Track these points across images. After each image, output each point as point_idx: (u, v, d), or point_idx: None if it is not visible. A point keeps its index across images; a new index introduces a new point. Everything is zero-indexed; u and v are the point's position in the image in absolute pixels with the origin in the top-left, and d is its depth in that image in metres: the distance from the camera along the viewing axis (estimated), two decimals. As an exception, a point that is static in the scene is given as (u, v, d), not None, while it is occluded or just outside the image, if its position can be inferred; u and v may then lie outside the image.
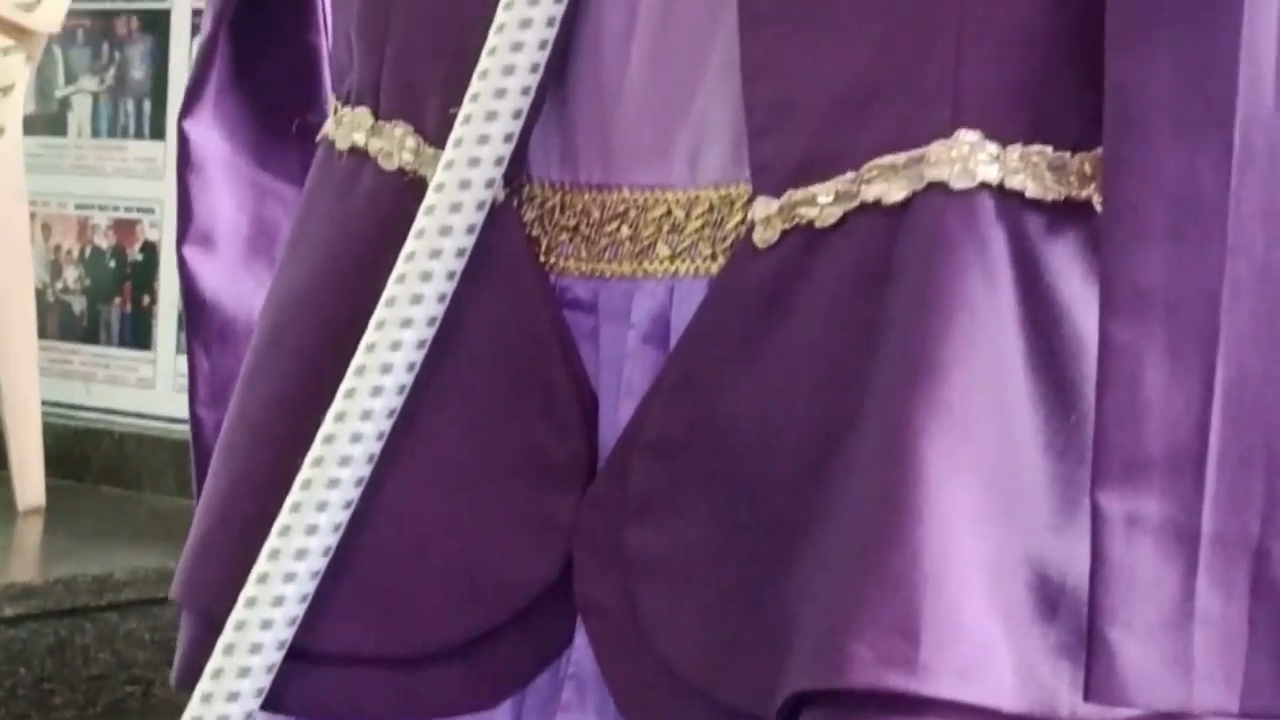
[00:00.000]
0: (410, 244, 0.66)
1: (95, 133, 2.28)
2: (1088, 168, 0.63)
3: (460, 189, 0.66)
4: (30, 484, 2.04)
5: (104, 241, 2.24)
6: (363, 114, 0.72)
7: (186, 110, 0.79)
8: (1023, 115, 0.62)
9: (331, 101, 0.75)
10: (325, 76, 0.81)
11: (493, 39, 0.66)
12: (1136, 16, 0.60)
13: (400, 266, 0.66)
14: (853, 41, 0.63)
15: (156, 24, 2.26)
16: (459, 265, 0.66)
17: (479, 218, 0.67)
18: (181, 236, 0.80)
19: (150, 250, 2.20)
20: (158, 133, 2.22)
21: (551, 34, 0.66)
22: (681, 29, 0.67)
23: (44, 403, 2.08)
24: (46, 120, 2.30)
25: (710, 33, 0.66)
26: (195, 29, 2.16)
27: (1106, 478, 0.59)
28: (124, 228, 2.22)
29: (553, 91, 0.68)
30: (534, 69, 0.66)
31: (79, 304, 2.26)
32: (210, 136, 0.80)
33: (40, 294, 2.21)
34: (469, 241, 0.67)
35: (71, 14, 2.14)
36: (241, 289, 0.80)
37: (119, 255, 2.23)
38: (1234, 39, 0.59)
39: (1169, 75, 0.59)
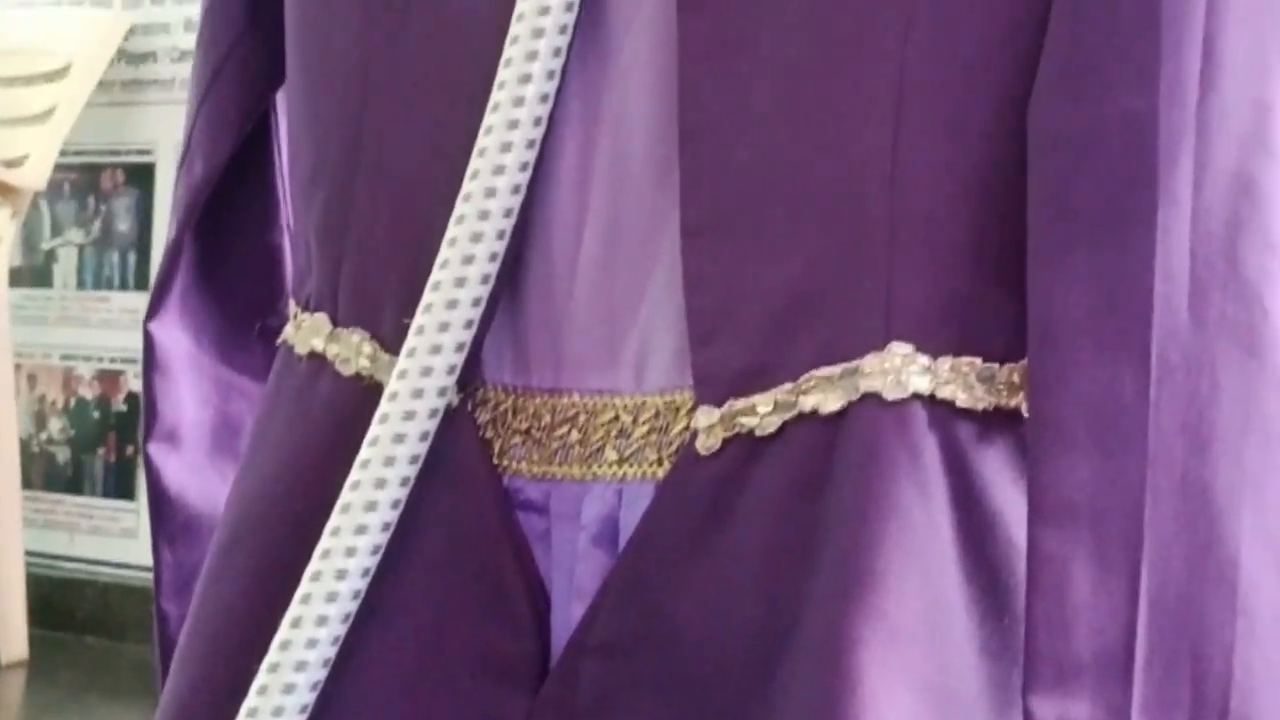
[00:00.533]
0: (365, 451, 0.68)
1: (80, 285, 2.31)
2: (1016, 378, 0.65)
3: (413, 398, 0.68)
4: (14, 637, 2.05)
5: (88, 392, 2.27)
6: (321, 319, 0.74)
7: (152, 313, 0.82)
8: (952, 328, 0.65)
9: (291, 306, 0.77)
10: (287, 277, 0.83)
11: (445, 251, 0.69)
12: (1055, 238, 0.62)
13: (355, 473, 0.68)
14: (788, 255, 0.66)
15: (141, 177, 2.30)
16: (413, 471, 0.68)
17: (432, 425, 0.69)
18: (147, 434, 0.82)
19: (134, 401, 2.23)
20: (142, 284, 2.25)
21: (502, 246, 0.69)
22: (627, 239, 0.69)
23: (27, 553, 2.09)
24: (32, 272, 2.33)
25: (655, 244, 0.69)
26: (179, 182, 2.20)
27: (1038, 683, 0.61)
28: (108, 378, 2.25)
29: (505, 297, 0.71)
30: (485, 280, 0.69)
31: (63, 454, 2.28)
32: (175, 336, 0.82)
33: (25, 445, 2.23)
34: (423, 448, 0.69)
35: (58, 167, 2.18)
36: (206, 484, 0.82)
37: (103, 406, 2.25)
38: (1149, 259, 0.62)
39: (1087, 294, 0.62)
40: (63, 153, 2.18)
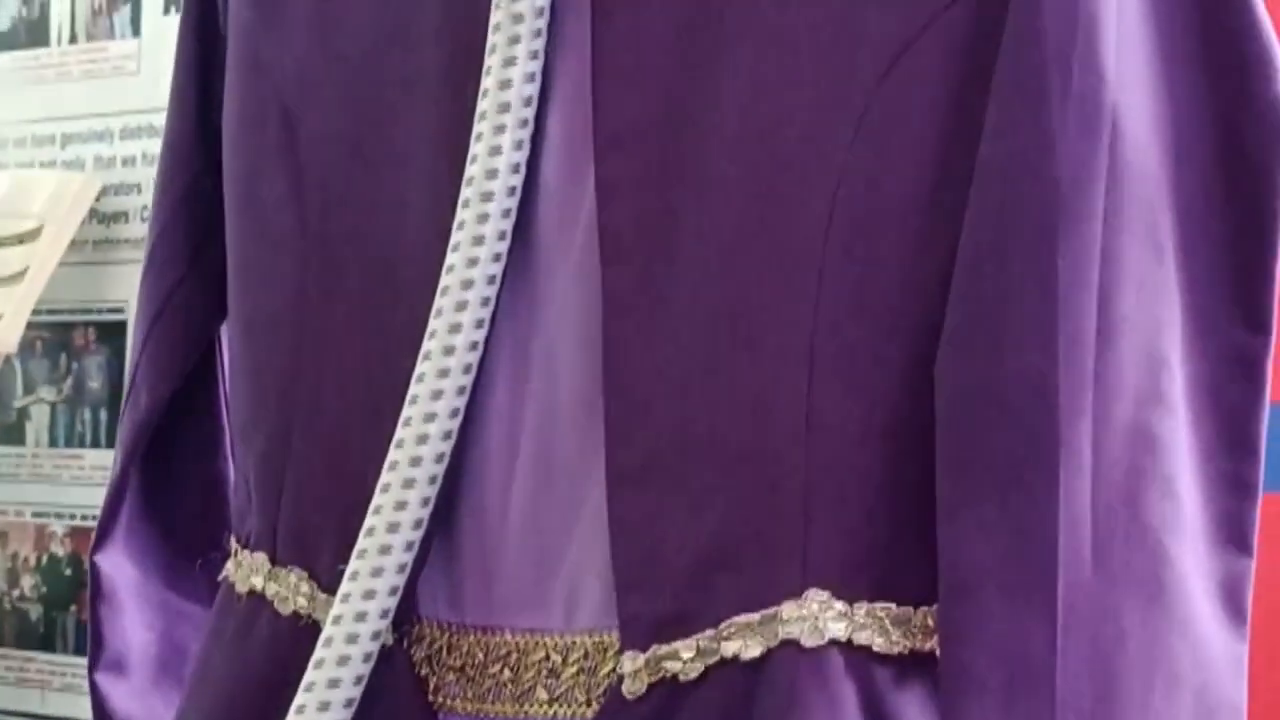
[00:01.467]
0: (300, 696, 0.70)
1: (53, 442, 2.32)
2: (930, 621, 0.67)
3: (348, 643, 0.70)
4: (-16, 799, 2.05)
5: (60, 549, 2.27)
6: (260, 559, 0.76)
7: (98, 545, 0.84)
8: (868, 574, 0.67)
9: (232, 542, 0.79)
10: (230, 506, 0.85)
11: (378, 497, 0.71)
12: (962, 490, 0.64)
13: (291, 718, 0.70)
14: (708, 504, 0.68)
15: (113, 335, 2.31)
16: (348, 715, 0.70)
17: (367, 668, 0.70)
18: (93, 663, 0.84)
19: (105, 559, 2.23)
20: (114, 441, 2.26)
21: (434, 491, 0.71)
22: (557, 482, 0.71)
23: (0, 712, 2.09)
24: (4, 430, 2.34)
25: (583, 486, 0.71)
26: (150, 339, 2.21)
27: None
28: (80, 536, 2.26)
29: (439, 536, 0.72)
30: (417, 525, 0.71)
31: (35, 611, 2.28)
32: (121, 565, 0.84)
33: (-3, 602, 2.24)
34: (357, 691, 0.70)
35: (30, 325, 2.19)
36: (151, 712, 0.84)
37: (75, 563, 2.25)
38: (1053, 510, 0.64)
39: (994, 544, 0.64)
40: (35, 311, 2.20)
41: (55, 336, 2.35)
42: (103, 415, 2.30)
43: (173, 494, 0.86)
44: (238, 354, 0.79)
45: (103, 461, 2.29)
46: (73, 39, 2.27)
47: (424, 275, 0.72)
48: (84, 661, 2.31)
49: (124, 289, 2.29)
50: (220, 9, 0.82)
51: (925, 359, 0.66)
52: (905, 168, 0.66)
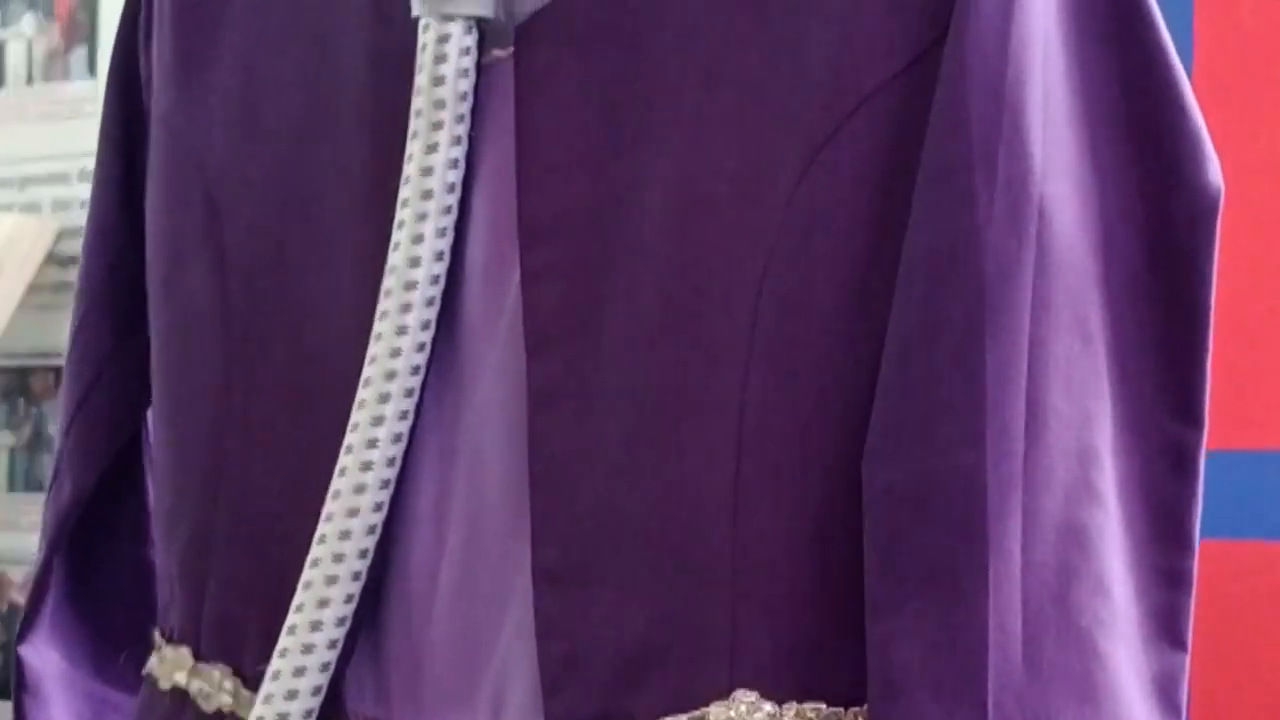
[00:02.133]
0: (222, 800, 0.69)
1: (12, 488, 2.30)
2: (861, 722, 0.66)
3: (269, 744, 0.69)
4: None
5: (20, 597, 2.25)
6: (184, 653, 0.74)
7: (22, 636, 0.82)
8: (797, 673, 0.65)
9: (156, 636, 0.77)
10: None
11: (300, 594, 0.69)
12: (890, 589, 0.63)
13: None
14: (635, 602, 0.66)
15: (72, 379, 2.30)
16: (271, 813, 0.69)
17: (289, 770, 0.69)
18: (18, 757, 0.82)
19: (65, 606, 2.21)
20: (73, 487, 2.25)
21: (358, 588, 0.69)
22: (483, 576, 0.70)
23: (-40, 762, 2.08)
24: (-37, 477, 2.33)
25: (509, 581, 0.69)
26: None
27: None
28: (40, 583, 2.25)
29: (365, 630, 0.71)
30: (341, 622, 0.69)
31: (-4, 660, 2.26)
32: (46, 655, 0.82)
33: (-43, 650, 2.22)
34: (279, 794, 0.69)
35: (-12, 370, 2.18)
36: (77, 805, 0.82)
37: (35, 611, 2.25)
38: (982, 610, 0.62)
39: (922, 645, 0.62)
40: (-7, 355, 2.18)
41: (14, 381, 2.33)
42: (62, 460, 2.30)
43: (99, 581, 0.84)
44: (161, 443, 0.77)
45: (62, 507, 2.28)
46: (29, 80, 2.26)
47: (348, 366, 0.70)
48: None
49: (83, 333, 2.28)
50: (144, 85, 0.81)
51: (854, 453, 0.64)
52: (831, 257, 0.65)
